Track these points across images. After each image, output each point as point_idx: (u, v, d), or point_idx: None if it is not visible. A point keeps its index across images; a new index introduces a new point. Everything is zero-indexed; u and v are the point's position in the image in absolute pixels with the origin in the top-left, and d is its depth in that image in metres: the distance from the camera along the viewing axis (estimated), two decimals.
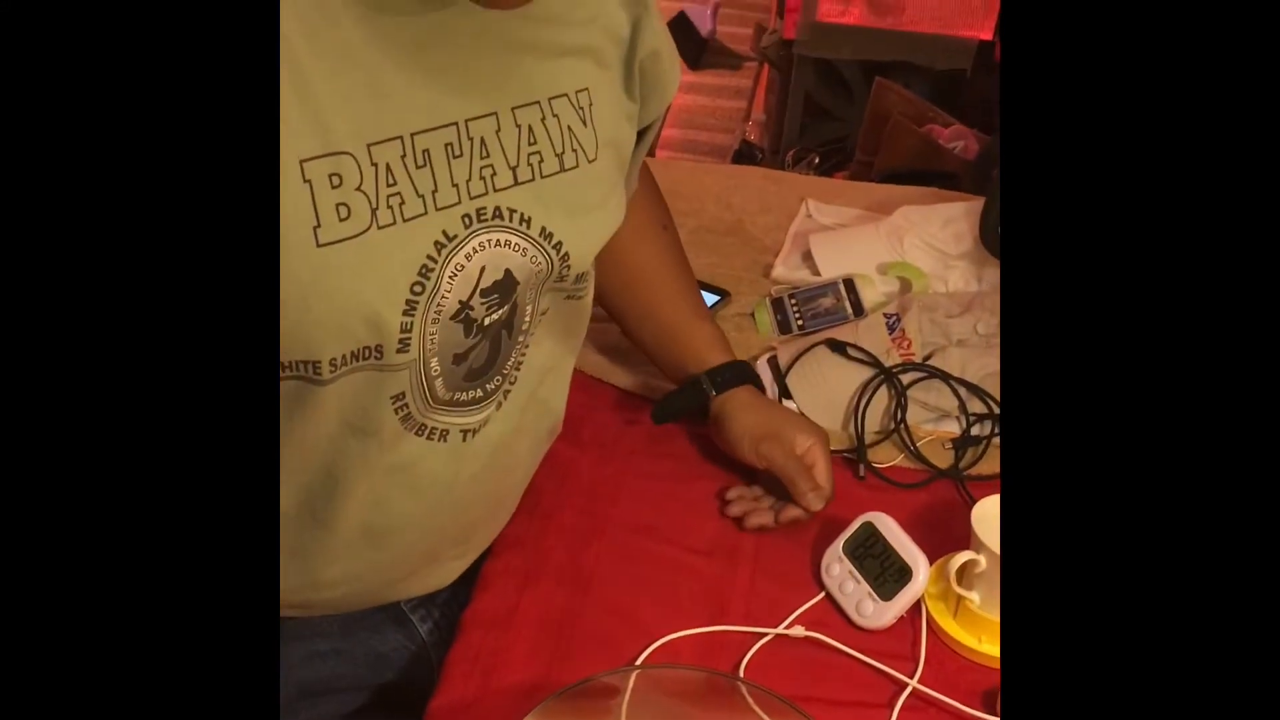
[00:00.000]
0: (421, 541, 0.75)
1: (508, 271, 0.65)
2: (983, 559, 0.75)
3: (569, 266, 0.69)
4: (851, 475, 0.91)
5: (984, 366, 0.97)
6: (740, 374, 0.90)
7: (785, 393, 0.97)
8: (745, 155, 2.40)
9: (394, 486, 0.69)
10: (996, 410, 0.95)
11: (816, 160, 2.10)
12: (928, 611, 0.77)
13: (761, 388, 0.92)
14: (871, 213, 1.26)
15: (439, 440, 0.69)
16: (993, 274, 1.10)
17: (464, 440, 0.70)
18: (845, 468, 0.92)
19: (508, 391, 0.72)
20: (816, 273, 1.14)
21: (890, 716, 0.70)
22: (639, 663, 0.73)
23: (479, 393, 0.70)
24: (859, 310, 1.06)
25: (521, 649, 0.74)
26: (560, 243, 0.67)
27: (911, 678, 0.73)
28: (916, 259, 1.13)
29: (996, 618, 0.75)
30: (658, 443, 0.93)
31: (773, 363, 1.00)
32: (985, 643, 0.75)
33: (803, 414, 0.94)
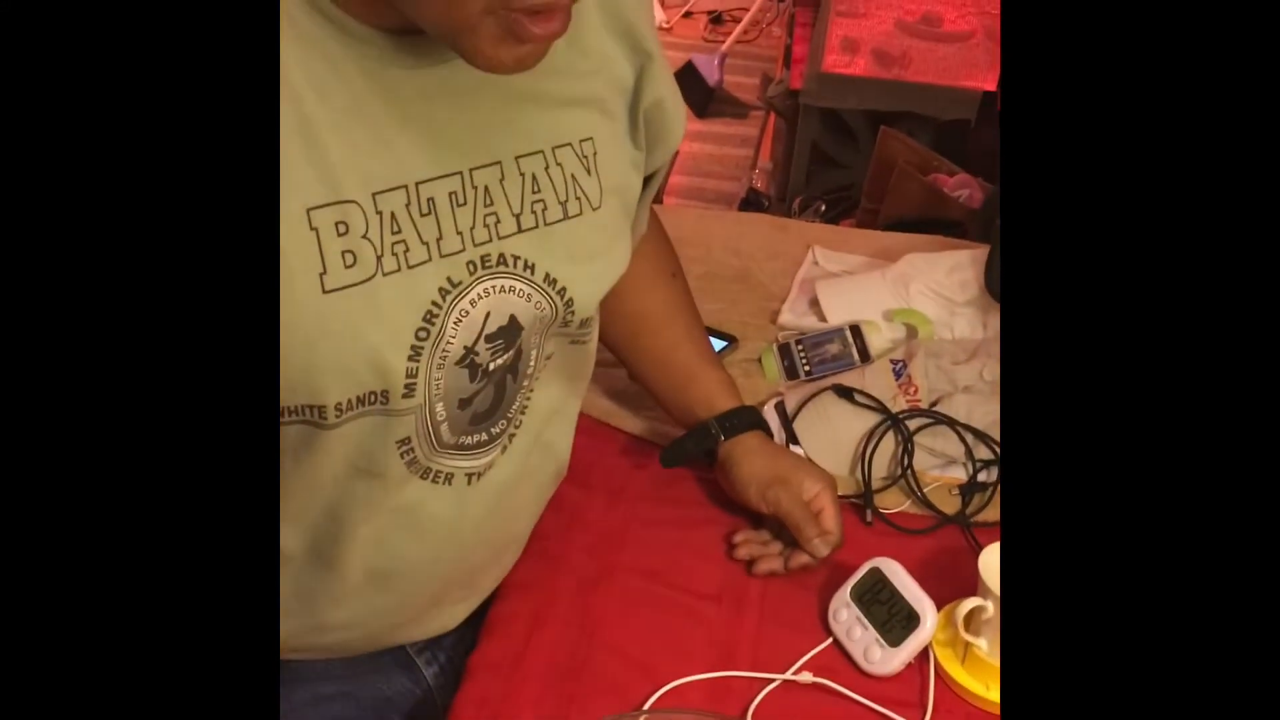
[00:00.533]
0: (426, 585, 0.75)
1: (512, 317, 0.66)
2: (990, 605, 0.75)
3: (573, 312, 0.70)
4: (859, 520, 0.91)
5: (990, 413, 0.98)
6: (748, 419, 0.91)
7: (793, 438, 0.98)
8: (752, 203, 2.42)
9: (398, 529, 0.70)
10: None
11: (823, 208, 2.12)
12: (935, 658, 0.77)
13: (770, 433, 0.92)
14: (878, 260, 1.27)
15: (444, 483, 0.70)
16: (998, 321, 1.11)
17: (469, 484, 0.71)
18: (852, 513, 0.92)
19: (513, 435, 0.73)
20: (823, 319, 1.15)
21: None
22: (646, 708, 0.73)
23: (484, 436, 0.70)
24: (865, 356, 1.07)
25: (529, 694, 0.74)
26: (564, 289, 0.68)
27: None
28: (922, 306, 1.14)
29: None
30: (665, 487, 0.94)
31: (780, 408, 1.01)
32: (993, 689, 0.75)
33: (810, 459, 0.94)
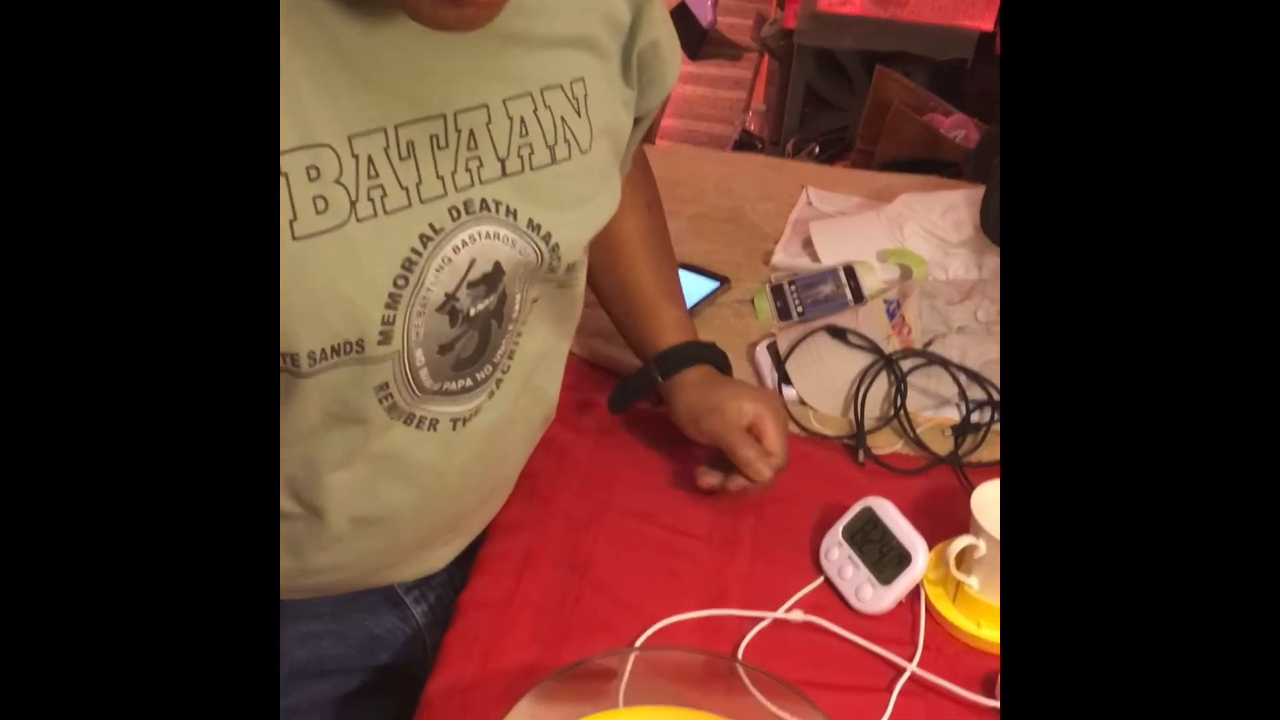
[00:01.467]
0: (413, 529, 0.75)
1: (496, 264, 0.65)
2: (982, 544, 0.75)
3: (559, 257, 0.68)
4: (851, 461, 0.91)
5: (984, 353, 0.97)
6: (692, 355, 0.88)
7: (785, 379, 0.97)
8: (745, 145, 2.39)
9: (383, 475, 0.69)
10: (996, 397, 0.95)
11: (816, 150, 2.10)
12: (926, 597, 0.77)
13: (721, 366, 0.90)
14: (872, 201, 1.26)
15: (429, 429, 0.69)
16: (993, 261, 1.10)
17: (454, 429, 0.70)
18: (845, 454, 0.91)
19: (500, 380, 0.72)
20: (816, 260, 1.14)
21: (889, 701, 0.70)
22: (637, 645, 0.73)
23: (468, 381, 0.69)
24: (859, 297, 1.06)
25: (519, 632, 0.74)
26: (549, 234, 0.67)
27: (910, 662, 0.73)
28: (917, 246, 1.13)
29: (995, 603, 0.75)
30: (656, 428, 0.93)
31: (772, 349, 1.00)
32: (984, 627, 0.75)
33: (753, 385, 0.92)
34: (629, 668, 0.63)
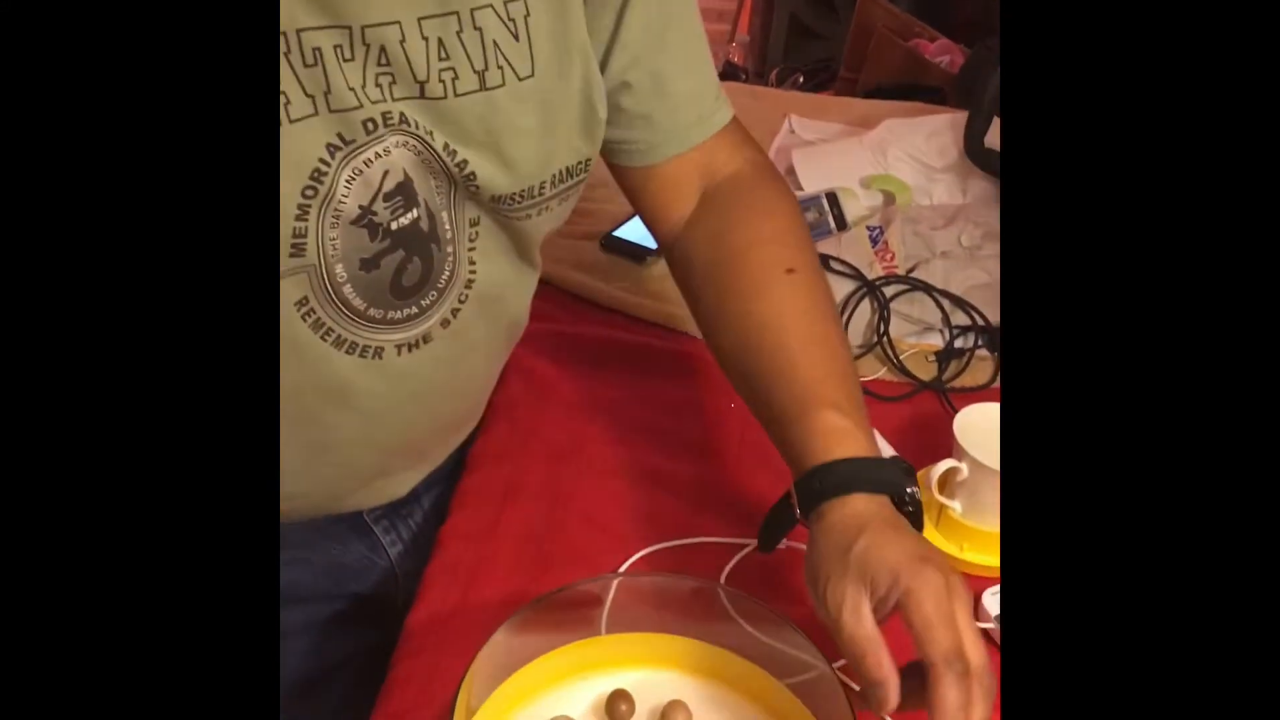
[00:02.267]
0: (367, 457, 0.74)
1: (404, 172, 0.62)
2: (965, 467, 0.75)
3: (477, 187, 0.65)
4: None
5: (968, 278, 0.96)
6: (844, 479, 0.62)
7: None
8: (729, 76, 2.36)
9: (329, 405, 0.68)
10: (980, 322, 0.94)
11: (801, 80, 2.07)
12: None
13: (899, 497, 0.63)
14: (855, 128, 1.24)
15: (373, 358, 0.67)
16: (978, 186, 1.09)
17: (400, 355, 0.68)
18: None
19: (456, 310, 0.70)
20: (799, 187, 1.12)
21: None
22: (620, 572, 0.73)
23: (414, 309, 0.67)
24: (842, 224, 1.05)
25: (502, 563, 0.74)
26: (464, 162, 0.63)
27: None
28: (900, 172, 1.11)
29: (978, 526, 0.75)
30: (639, 360, 0.93)
31: None
32: (967, 551, 0.75)
33: (924, 541, 0.60)
34: (611, 594, 0.63)
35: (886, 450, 0.79)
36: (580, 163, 0.70)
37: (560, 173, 0.68)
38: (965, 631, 0.54)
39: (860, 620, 0.56)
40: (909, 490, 0.63)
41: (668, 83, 0.72)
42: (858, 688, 0.56)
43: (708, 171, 0.77)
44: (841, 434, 0.64)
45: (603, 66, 0.69)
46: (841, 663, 0.68)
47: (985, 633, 0.68)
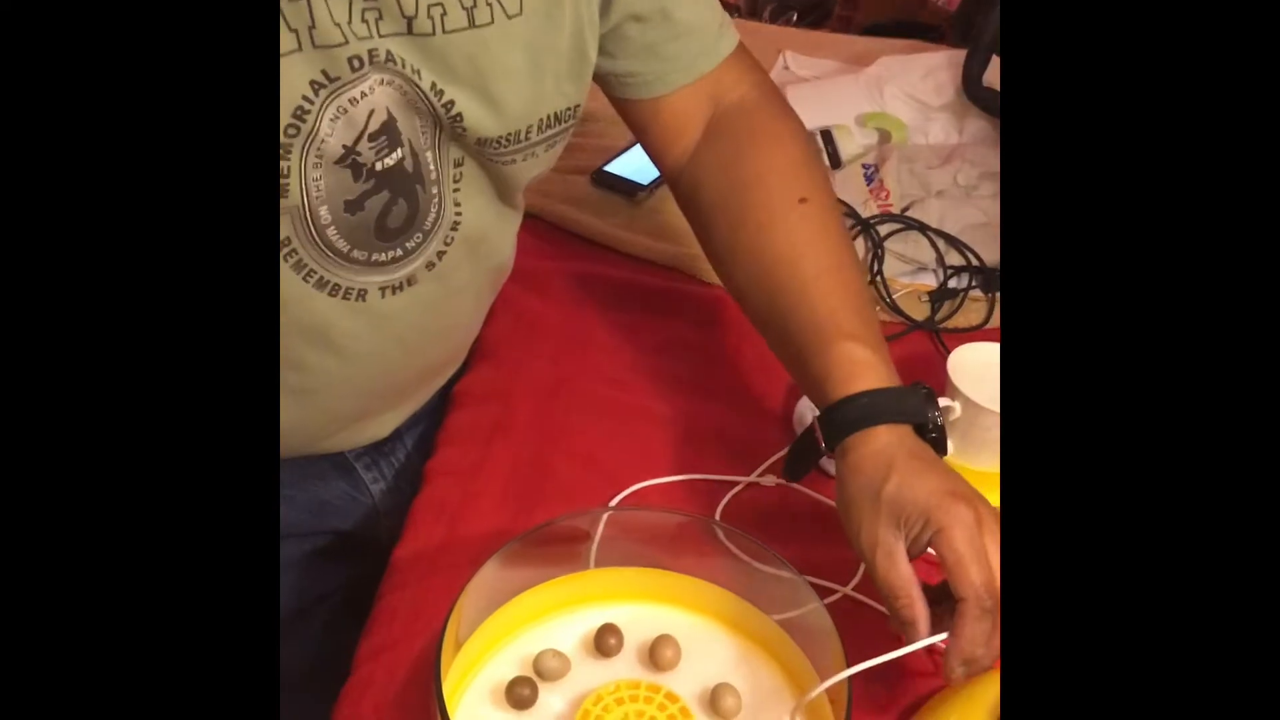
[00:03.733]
0: (349, 400, 0.73)
1: (389, 112, 0.61)
2: (958, 406, 0.74)
3: (464, 129, 0.63)
4: None
5: (963, 218, 0.95)
6: (868, 411, 0.61)
7: None
8: None
9: (311, 347, 0.67)
10: (975, 263, 0.93)
11: (795, 17, 2.03)
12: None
13: (922, 427, 0.62)
14: (850, 65, 1.22)
15: (356, 299, 0.66)
16: (974, 125, 1.07)
17: (383, 298, 0.67)
18: None
19: (441, 252, 0.68)
20: None
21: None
22: (611, 505, 0.72)
23: (398, 251, 0.66)
24: (836, 162, 1.03)
25: (489, 499, 0.73)
26: (451, 102, 0.61)
27: None
28: (896, 110, 1.09)
29: (970, 465, 0.74)
30: (628, 295, 0.91)
31: None
32: None
33: (954, 473, 0.60)
34: (600, 529, 0.62)
35: None
36: (569, 108, 0.68)
37: (548, 118, 0.67)
38: (995, 566, 0.55)
39: (894, 563, 0.57)
40: (933, 415, 0.63)
41: (675, 12, 0.70)
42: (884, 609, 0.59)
43: (714, 99, 0.75)
44: (862, 365, 0.63)
45: (609, 1, 0.68)
46: (832, 598, 0.68)
47: None
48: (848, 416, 0.62)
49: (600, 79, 0.73)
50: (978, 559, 0.55)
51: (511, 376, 0.83)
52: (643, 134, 0.77)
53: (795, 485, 0.74)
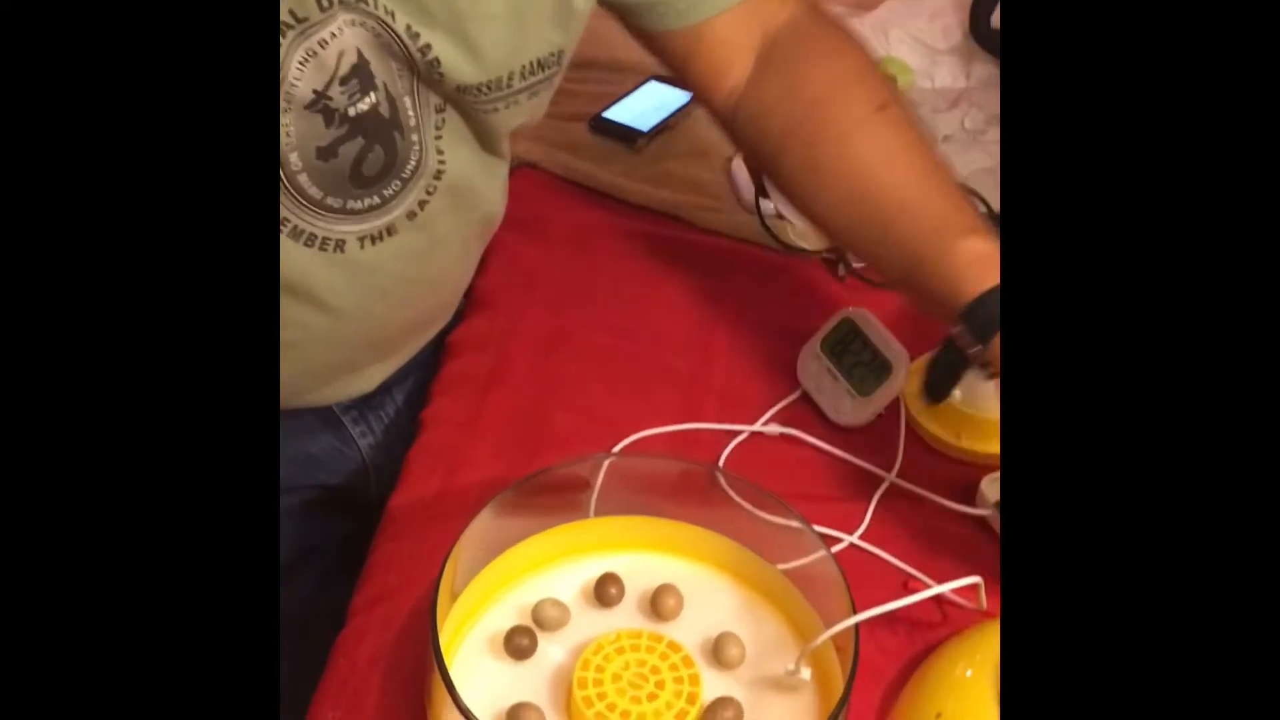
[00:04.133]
0: (332, 353, 0.71)
1: (360, 54, 0.58)
2: None
3: (441, 75, 0.60)
4: (831, 276, 0.87)
5: (970, 162, 0.93)
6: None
7: (763, 192, 0.93)
8: None
9: (289, 301, 0.65)
10: (982, 208, 0.91)
11: None
12: (906, 408, 0.75)
13: None
14: (855, 9, 1.19)
15: (334, 251, 0.64)
16: (982, 69, 1.04)
17: (363, 248, 0.65)
18: (825, 269, 0.88)
19: (424, 201, 0.66)
20: None
21: (867, 509, 0.68)
22: (615, 451, 0.71)
23: (375, 200, 0.64)
24: None
25: (486, 448, 0.71)
26: (428, 46, 0.59)
27: (889, 472, 0.71)
28: (903, 54, 1.07)
29: (976, 413, 0.73)
30: (629, 242, 0.89)
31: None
32: (965, 439, 0.73)
33: None
34: (601, 476, 0.60)
35: None
36: (553, 54, 0.65)
37: (530, 64, 0.64)
38: None
39: None
40: None
41: None
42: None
43: (761, 24, 0.70)
44: (990, 257, 0.59)
45: None
46: (837, 548, 0.67)
47: (983, 519, 0.67)
48: (995, 310, 0.57)
49: (629, 13, 0.70)
50: None
51: (509, 326, 0.81)
52: (685, 69, 0.72)
53: (795, 432, 0.73)
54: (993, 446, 0.72)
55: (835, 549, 0.66)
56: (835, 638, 0.53)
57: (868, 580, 0.63)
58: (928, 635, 0.61)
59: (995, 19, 1.04)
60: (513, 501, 0.57)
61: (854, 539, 0.67)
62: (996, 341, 0.57)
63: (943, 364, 0.64)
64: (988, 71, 1.04)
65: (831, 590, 0.55)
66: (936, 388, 0.65)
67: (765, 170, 0.72)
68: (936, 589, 0.58)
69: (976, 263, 0.59)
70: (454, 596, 0.55)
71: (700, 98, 0.73)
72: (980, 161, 0.92)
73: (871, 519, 0.68)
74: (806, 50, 0.69)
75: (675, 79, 1.05)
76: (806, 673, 0.53)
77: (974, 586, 0.61)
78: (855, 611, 0.52)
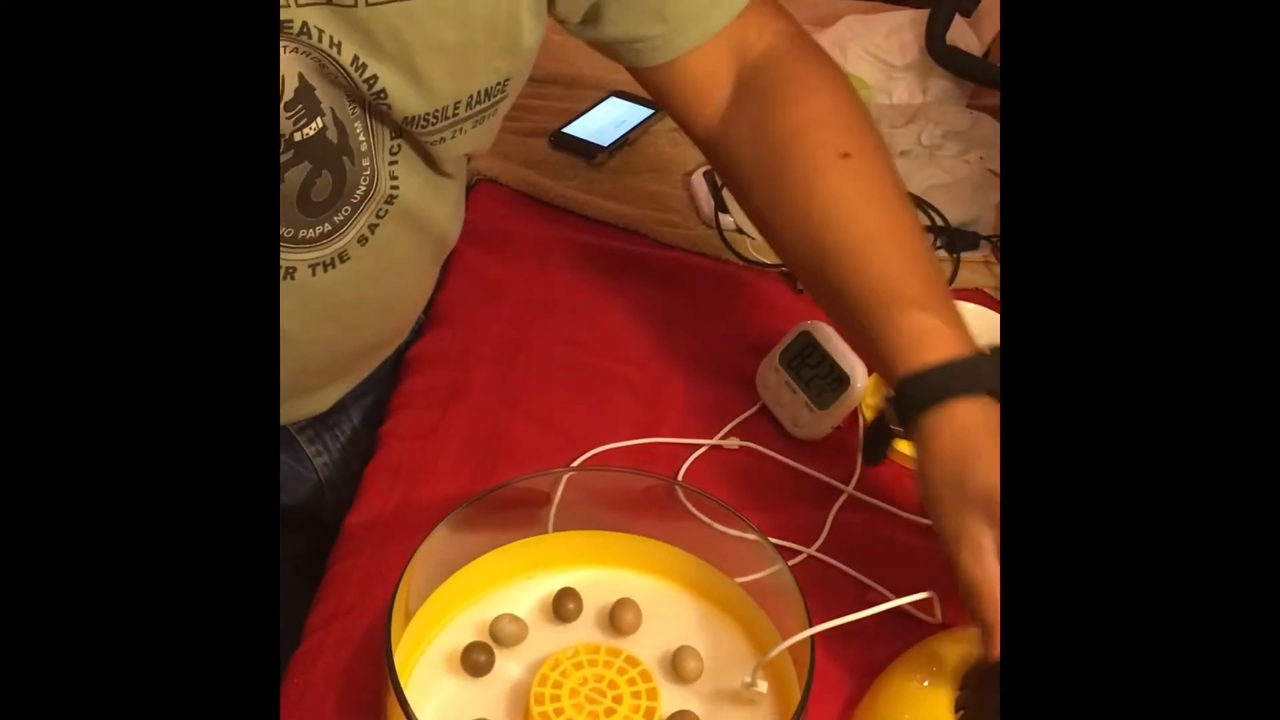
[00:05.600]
0: (284, 377, 0.71)
1: (301, 78, 0.57)
2: None
3: (388, 106, 0.60)
4: (789, 290, 0.88)
5: (928, 178, 0.94)
6: (943, 384, 0.56)
7: (722, 207, 0.93)
8: None
9: None
10: (940, 223, 0.92)
11: None
12: (864, 420, 0.75)
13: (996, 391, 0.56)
14: (814, 26, 1.20)
15: (285, 279, 0.64)
16: (938, 84, 1.06)
17: (314, 275, 0.65)
18: (784, 282, 0.88)
19: (374, 225, 0.66)
20: None
21: (825, 520, 0.69)
22: (573, 466, 0.71)
23: (326, 226, 0.64)
24: None
25: (445, 462, 0.71)
26: (374, 78, 0.58)
27: (848, 485, 0.71)
28: (860, 70, 1.08)
29: None
30: (589, 257, 0.89)
31: (709, 176, 0.96)
32: None
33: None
34: (560, 491, 0.60)
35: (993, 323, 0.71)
36: (499, 83, 0.64)
37: (477, 94, 0.64)
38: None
39: (980, 560, 0.52)
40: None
41: None
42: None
43: (738, 54, 0.69)
44: (929, 334, 0.57)
45: None
46: (797, 559, 0.67)
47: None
48: (918, 393, 0.56)
49: (607, 48, 0.69)
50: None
51: (469, 340, 0.81)
52: (666, 102, 0.71)
53: (755, 446, 0.73)
54: None
55: (794, 561, 0.66)
56: (792, 650, 0.53)
57: (826, 591, 0.63)
58: (885, 647, 0.62)
59: (951, 35, 1.06)
60: (470, 517, 0.57)
61: (812, 551, 0.68)
62: (918, 421, 0.56)
63: (873, 433, 0.64)
64: (944, 87, 1.05)
65: (789, 603, 0.55)
66: (870, 454, 0.66)
67: (739, 200, 0.72)
68: (893, 603, 0.57)
69: (912, 340, 0.57)
70: (409, 615, 0.55)
71: (682, 127, 0.73)
72: (937, 177, 0.93)
73: (830, 531, 0.68)
74: (780, 88, 0.67)
75: (636, 95, 1.05)
76: (763, 685, 0.53)
77: (929, 599, 0.61)
78: (811, 624, 0.52)
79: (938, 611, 0.62)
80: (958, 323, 0.58)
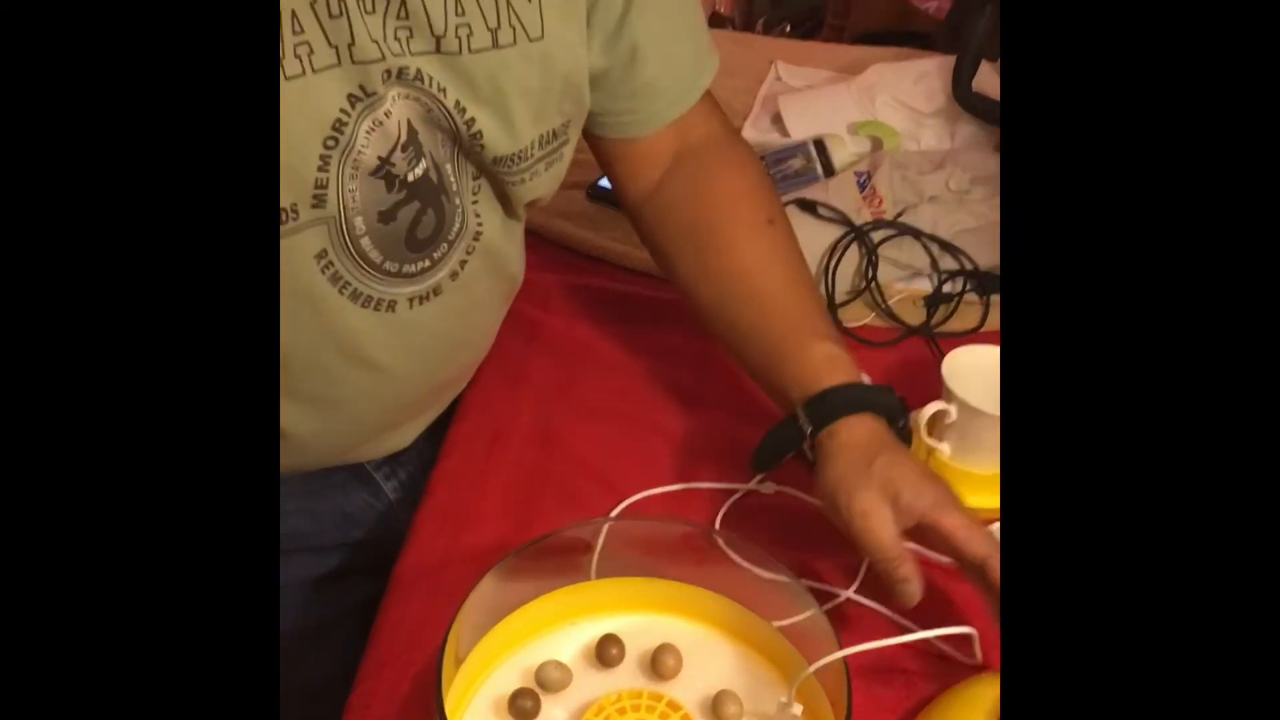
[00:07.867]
0: (376, 411, 0.74)
1: (410, 124, 0.63)
2: (953, 409, 0.74)
3: (482, 146, 0.66)
4: None
5: (956, 223, 0.95)
6: (853, 400, 0.66)
7: None
8: (715, 26, 2.33)
9: (343, 360, 0.68)
10: (969, 267, 0.94)
11: (788, 29, 2.05)
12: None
13: (895, 419, 0.67)
14: (842, 74, 1.23)
15: (386, 311, 0.68)
16: (965, 130, 1.07)
17: (411, 308, 0.69)
18: None
19: (464, 262, 0.70)
20: (786, 134, 1.11)
21: (861, 564, 0.70)
22: (612, 515, 0.73)
23: (426, 262, 0.68)
24: (829, 170, 1.04)
25: (490, 508, 0.73)
26: (472, 120, 0.64)
27: None
28: (888, 117, 1.10)
29: (966, 468, 0.75)
30: (628, 309, 0.92)
31: None
32: (958, 493, 0.75)
33: (921, 464, 0.65)
34: (601, 540, 0.62)
35: None
36: (564, 124, 0.70)
37: (547, 134, 0.69)
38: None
39: (885, 525, 0.61)
40: (903, 422, 0.69)
41: (652, 65, 0.73)
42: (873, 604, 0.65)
43: (680, 140, 0.78)
44: (841, 362, 0.69)
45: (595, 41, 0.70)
46: (833, 604, 0.68)
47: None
48: (839, 403, 0.66)
49: None
50: (977, 526, 0.61)
51: (512, 387, 0.84)
52: (608, 166, 0.80)
53: (791, 490, 0.75)
54: (983, 501, 0.74)
55: (830, 605, 0.68)
56: (829, 690, 0.55)
57: (863, 633, 0.64)
58: (923, 688, 0.63)
59: (978, 82, 1.08)
60: (515, 566, 0.59)
61: (850, 593, 0.69)
62: (834, 425, 0.65)
63: (776, 439, 0.70)
64: (971, 132, 1.07)
65: (825, 646, 0.56)
66: (764, 459, 0.72)
67: (658, 259, 0.81)
68: (932, 632, 0.59)
69: (825, 363, 0.68)
70: (459, 661, 0.57)
71: (615, 190, 0.82)
72: (965, 222, 0.95)
73: (866, 573, 0.69)
74: (714, 163, 0.78)
75: None
76: (799, 708, 0.55)
77: (969, 638, 0.62)
78: (846, 670, 0.54)
79: (977, 652, 0.63)
80: (853, 360, 0.70)
